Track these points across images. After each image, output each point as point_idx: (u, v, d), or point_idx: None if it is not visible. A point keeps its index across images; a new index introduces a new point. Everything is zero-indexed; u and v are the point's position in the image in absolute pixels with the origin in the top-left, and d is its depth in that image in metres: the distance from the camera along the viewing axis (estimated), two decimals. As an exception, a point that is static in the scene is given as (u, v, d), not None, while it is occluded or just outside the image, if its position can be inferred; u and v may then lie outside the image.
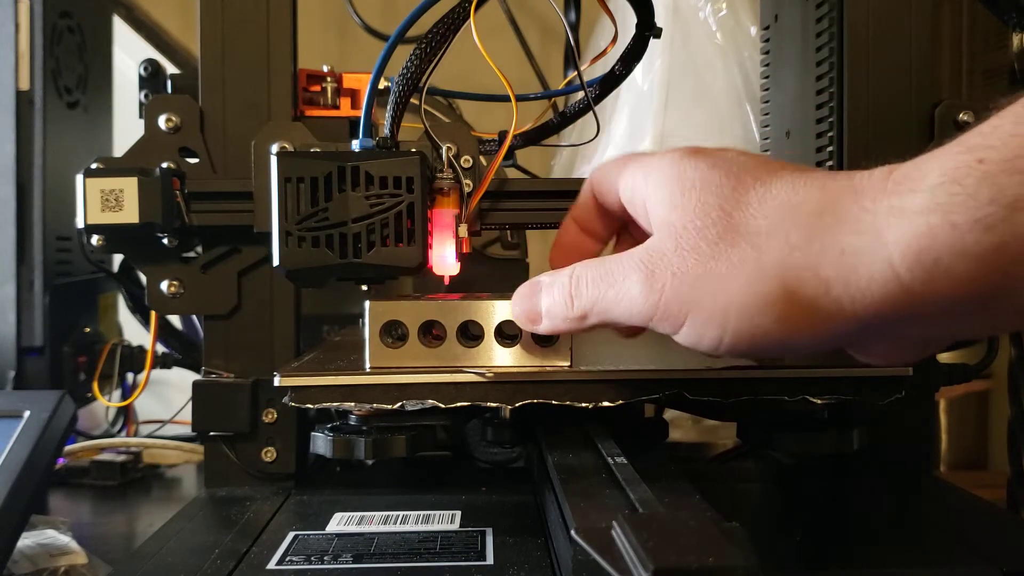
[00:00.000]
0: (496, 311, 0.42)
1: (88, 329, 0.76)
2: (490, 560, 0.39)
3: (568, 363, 0.43)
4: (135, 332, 0.84)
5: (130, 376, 0.80)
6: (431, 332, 0.43)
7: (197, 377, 0.53)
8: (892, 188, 0.30)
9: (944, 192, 0.28)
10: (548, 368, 0.42)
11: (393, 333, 0.43)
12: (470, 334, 0.43)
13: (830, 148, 0.57)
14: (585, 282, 0.37)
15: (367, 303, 0.43)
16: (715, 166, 0.35)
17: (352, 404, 0.42)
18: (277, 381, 0.42)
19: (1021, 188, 0.27)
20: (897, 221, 0.29)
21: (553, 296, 0.38)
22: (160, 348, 0.80)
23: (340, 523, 0.45)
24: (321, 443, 0.46)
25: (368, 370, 0.42)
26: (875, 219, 0.30)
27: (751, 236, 0.32)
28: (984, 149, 0.28)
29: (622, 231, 0.44)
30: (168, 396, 0.88)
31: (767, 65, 0.69)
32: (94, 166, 0.50)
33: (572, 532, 0.30)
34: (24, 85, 0.70)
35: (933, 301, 0.29)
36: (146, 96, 0.76)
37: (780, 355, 0.36)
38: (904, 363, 0.36)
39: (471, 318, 0.42)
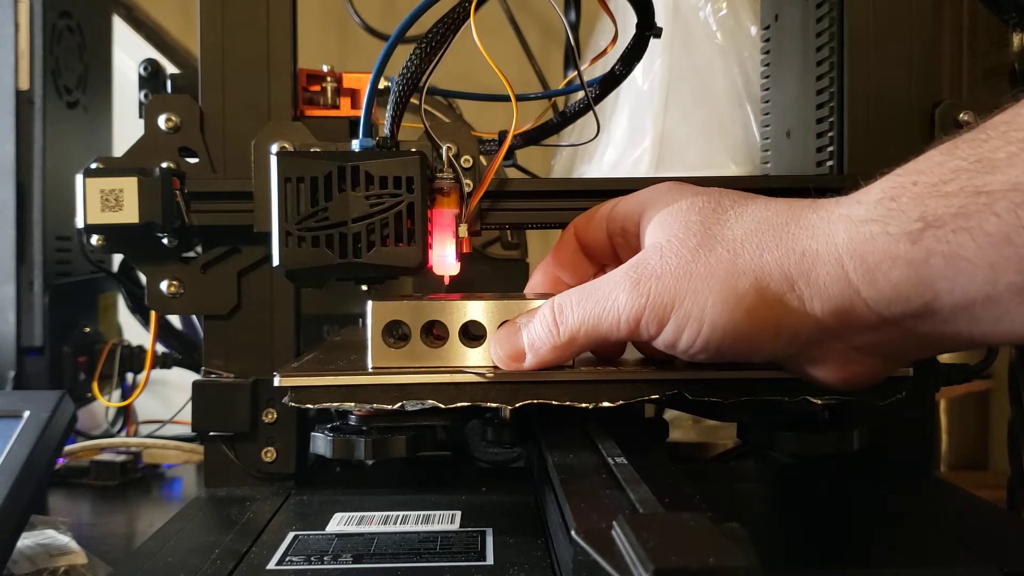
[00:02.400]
0: (497, 311, 0.42)
1: (88, 329, 0.76)
2: (490, 560, 0.39)
3: (568, 363, 0.43)
4: (135, 332, 0.84)
5: (130, 376, 0.80)
6: (433, 332, 0.43)
7: (197, 377, 0.53)
8: (843, 201, 0.35)
9: (883, 207, 0.33)
10: (548, 368, 0.42)
11: (395, 333, 0.43)
12: (471, 334, 0.43)
13: (830, 148, 0.57)
14: (570, 306, 0.39)
15: (370, 303, 0.43)
16: (698, 193, 0.40)
17: (352, 404, 0.42)
18: (277, 381, 0.42)
19: (944, 209, 0.31)
20: (845, 227, 0.34)
21: (536, 330, 0.40)
22: (160, 348, 0.80)
23: (340, 523, 0.45)
24: (321, 443, 0.46)
25: (369, 370, 0.43)
26: (828, 225, 0.35)
27: (727, 242, 0.36)
28: (918, 173, 0.33)
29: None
30: (168, 396, 0.88)
31: (767, 65, 0.69)
32: (94, 166, 0.50)
33: (572, 532, 0.30)
34: (24, 85, 0.70)
35: (877, 304, 0.34)
36: (146, 96, 0.76)
37: (746, 357, 0.38)
38: (850, 384, 0.38)
39: (473, 318, 0.43)
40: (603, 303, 0.38)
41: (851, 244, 0.34)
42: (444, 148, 0.49)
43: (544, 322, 0.40)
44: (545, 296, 0.42)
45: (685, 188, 0.41)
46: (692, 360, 0.39)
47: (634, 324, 0.37)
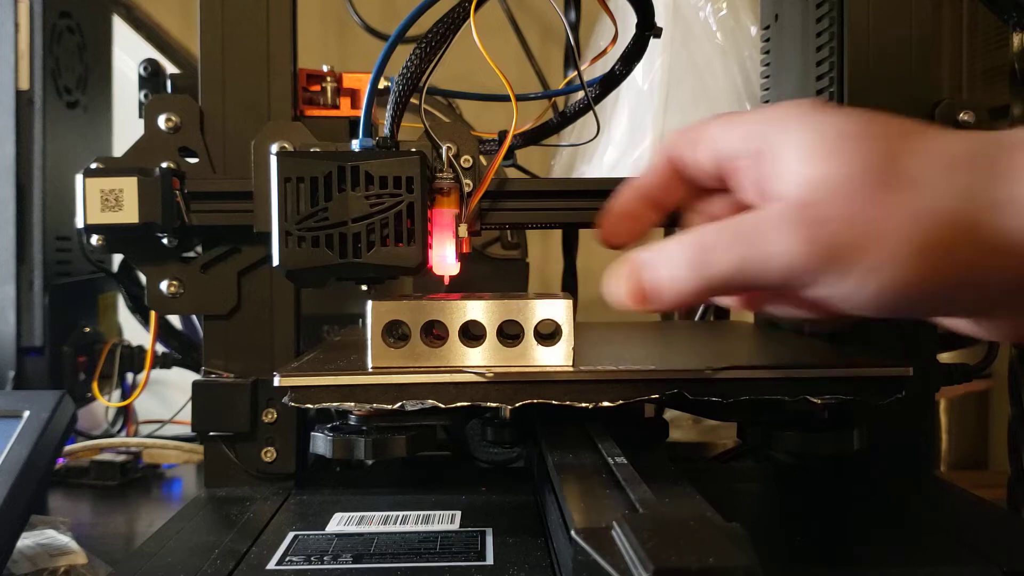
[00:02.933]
0: (497, 311, 0.43)
1: (88, 329, 0.76)
2: (490, 560, 0.39)
3: (568, 363, 0.43)
4: (135, 332, 0.84)
5: (130, 376, 0.80)
6: (432, 332, 0.43)
7: (197, 377, 0.53)
8: None
9: None
10: (548, 368, 0.42)
11: (395, 333, 0.43)
12: (471, 334, 0.43)
13: (830, 148, 0.57)
14: (716, 247, 0.34)
15: (369, 303, 0.43)
16: (866, 116, 0.34)
17: (352, 404, 0.42)
18: (277, 381, 0.42)
19: None
20: None
21: (668, 270, 0.35)
22: (160, 348, 0.80)
23: (340, 523, 0.45)
24: (321, 443, 0.46)
25: (369, 370, 0.43)
26: None
27: (918, 181, 0.31)
28: None
29: (693, 199, 0.42)
30: (168, 396, 0.89)
31: (767, 65, 0.69)
32: (94, 166, 0.50)
33: (572, 532, 0.30)
34: (24, 85, 0.70)
35: None
36: (146, 96, 0.76)
37: (918, 314, 0.35)
38: (1019, 340, 0.35)
39: (473, 318, 0.43)
40: (759, 247, 0.32)
41: None
42: (444, 148, 0.49)
43: (681, 262, 0.34)
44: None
45: (840, 111, 0.34)
46: (846, 313, 0.34)
47: (796, 274, 0.32)
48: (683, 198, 0.41)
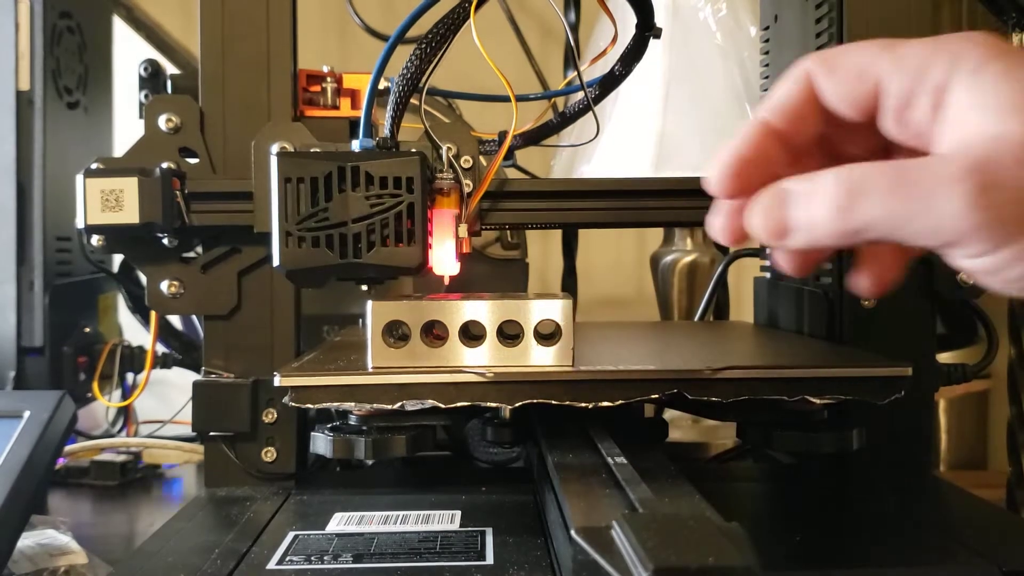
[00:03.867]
0: (497, 311, 0.43)
1: (88, 329, 0.76)
2: (490, 560, 0.39)
3: (568, 363, 0.43)
4: (135, 332, 0.84)
5: (130, 376, 0.80)
6: (432, 332, 0.43)
7: (197, 377, 0.53)
8: None
9: None
10: (548, 368, 0.42)
11: (395, 333, 0.43)
12: (471, 334, 0.43)
13: (830, 148, 0.57)
14: (874, 192, 0.30)
15: (370, 303, 0.43)
16: None
17: (352, 404, 0.42)
18: (277, 381, 0.42)
19: None
20: None
21: (816, 209, 0.32)
22: (160, 348, 0.80)
23: (340, 523, 0.45)
24: (321, 443, 0.46)
25: (369, 370, 0.43)
26: None
27: None
28: None
29: (831, 136, 0.37)
30: (168, 396, 0.88)
31: (767, 65, 0.69)
32: (94, 166, 0.50)
33: (572, 532, 0.30)
34: (24, 85, 0.70)
35: None
36: (146, 96, 0.76)
37: None
38: None
39: (472, 318, 0.43)
40: (923, 203, 0.29)
41: None
42: (444, 148, 0.49)
43: (831, 201, 0.31)
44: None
45: (1016, 49, 0.31)
46: (989, 285, 0.32)
47: (956, 239, 0.30)
48: (819, 134, 0.36)
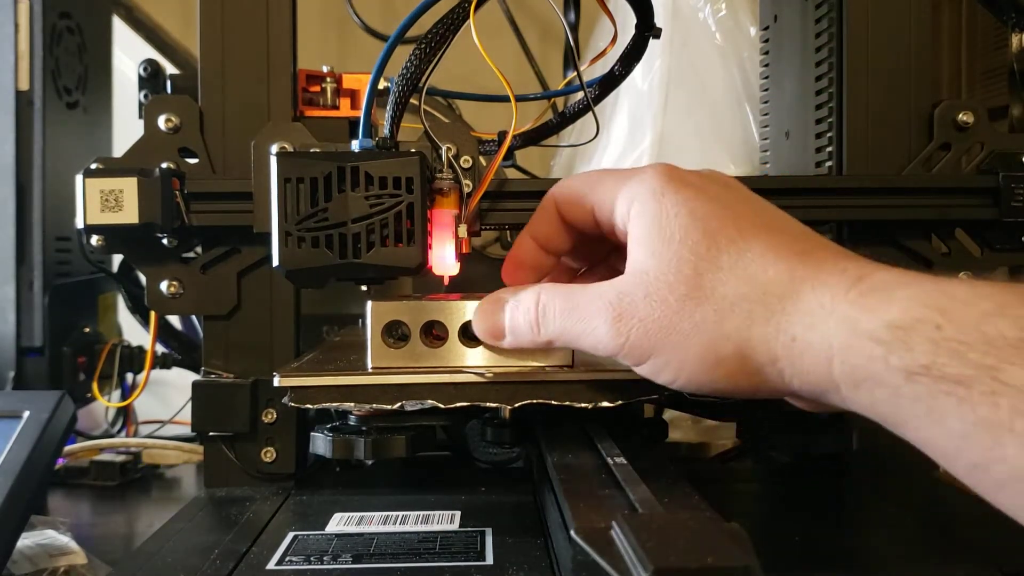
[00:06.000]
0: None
1: (88, 329, 0.76)
2: (490, 560, 0.39)
3: (568, 363, 0.43)
4: (135, 332, 0.84)
5: (130, 376, 0.80)
6: (432, 332, 0.43)
7: (197, 377, 0.53)
8: (855, 298, 0.32)
9: (894, 334, 0.31)
10: (548, 368, 0.42)
11: (395, 333, 0.43)
12: (471, 334, 0.43)
13: (829, 149, 0.57)
14: (552, 313, 0.39)
15: (369, 303, 0.43)
16: (695, 216, 0.36)
17: (351, 404, 0.42)
18: (277, 381, 0.42)
19: (954, 370, 0.29)
20: (846, 334, 0.32)
21: (518, 319, 0.40)
22: (160, 348, 0.80)
23: (340, 523, 0.45)
24: (321, 443, 0.46)
25: (369, 370, 0.43)
26: (828, 322, 0.32)
27: (717, 300, 0.35)
28: (946, 317, 0.30)
29: (579, 246, 0.45)
30: (168, 396, 0.88)
31: (767, 65, 0.69)
32: (94, 166, 0.50)
33: (572, 532, 0.30)
34: (24, 85, 0.70)
35: (852, 403, 0.33)
36: (146, 96, 0.76)
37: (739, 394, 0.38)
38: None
39: (472, 318, 0.43)
40: (584, 324, 0.37)
41: (846, 354, 0.32)
42: (444, 148, 0.49)
43: (527, 316, 0.40)
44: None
45: (681, 198, 0.37)
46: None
47: (612, 353, 0.37)
48: (571, 243, 0.45)
